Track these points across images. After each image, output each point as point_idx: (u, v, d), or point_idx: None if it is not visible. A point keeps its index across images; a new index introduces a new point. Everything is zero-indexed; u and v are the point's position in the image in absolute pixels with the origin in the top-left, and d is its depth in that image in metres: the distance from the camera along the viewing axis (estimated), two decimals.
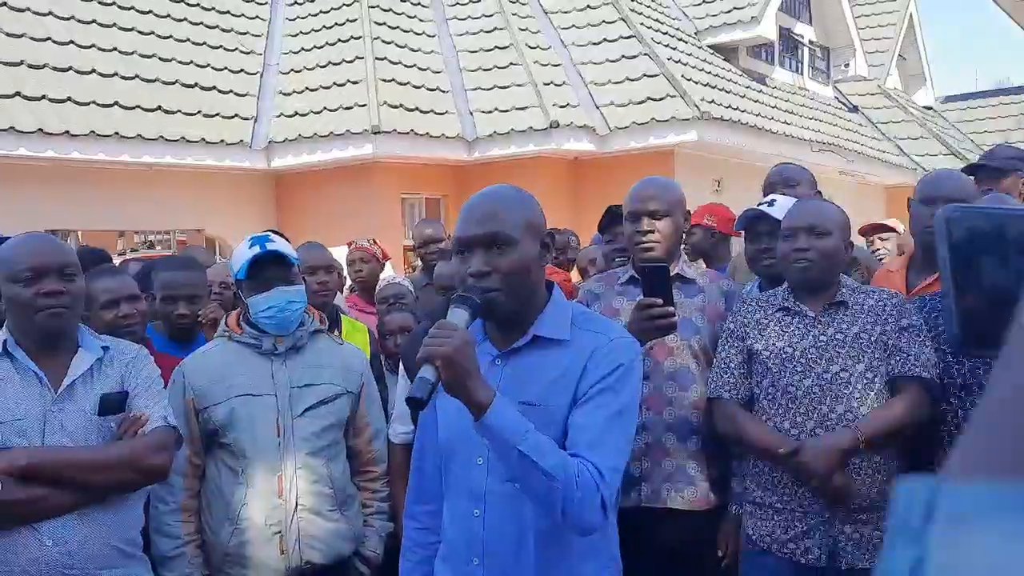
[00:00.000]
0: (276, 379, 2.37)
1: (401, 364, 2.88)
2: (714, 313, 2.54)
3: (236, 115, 8.46)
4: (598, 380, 1.61)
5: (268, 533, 2.29)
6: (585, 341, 1.66)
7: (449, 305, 1.60)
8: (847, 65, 14.57)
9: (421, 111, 8.40)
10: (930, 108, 16.42)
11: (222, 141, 8.09)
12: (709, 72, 9.79)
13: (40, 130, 6.72)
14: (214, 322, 3.19)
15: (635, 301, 2.34)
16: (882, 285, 2.55)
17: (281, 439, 2.33)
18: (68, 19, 7.82)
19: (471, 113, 8.66)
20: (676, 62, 9.10)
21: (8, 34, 7.21)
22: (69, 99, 7.13)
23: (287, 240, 3.82)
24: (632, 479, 2.48)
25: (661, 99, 8.42)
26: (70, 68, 7.41)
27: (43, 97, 6.97)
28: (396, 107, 8.19)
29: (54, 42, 7.51)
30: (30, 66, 7.12)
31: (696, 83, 8.93)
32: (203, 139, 7.89)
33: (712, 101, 8.66)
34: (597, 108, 8.71)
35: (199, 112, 8.10)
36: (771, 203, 2.72)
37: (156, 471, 2.09)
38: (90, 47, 7.77)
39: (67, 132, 6.88)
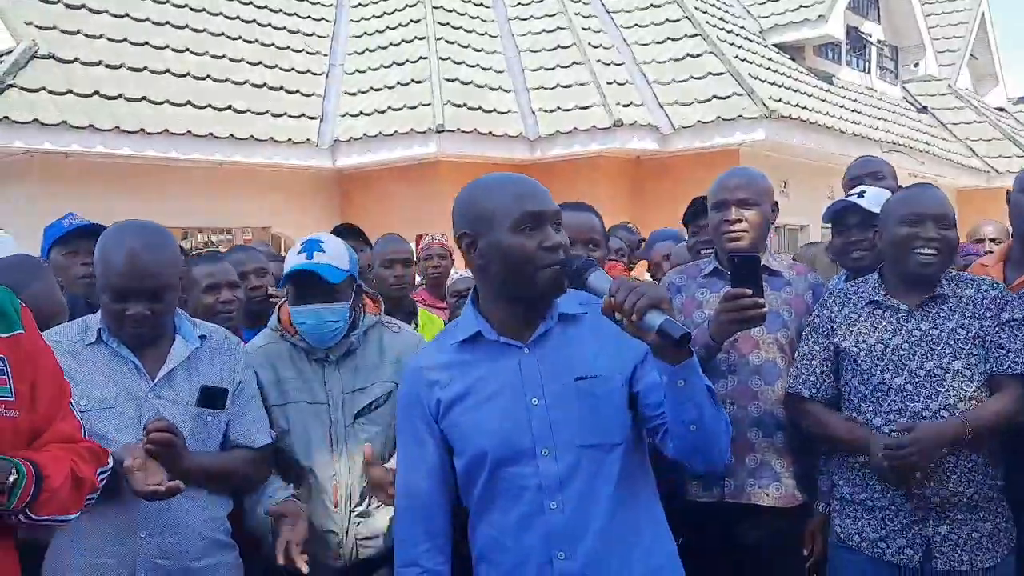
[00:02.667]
0: (328, 385, 2.30)
1: None
2: (801, 306, 2.47)
3: (303, 115, 8.60)
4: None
5: (324, 539, 2.26)
6: (593, 307, 1.62)
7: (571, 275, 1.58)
8: (916, 65, 14.21)
9: (484, 110, 8.43)
10: (1002, 109, 15.90)
11: (289, 140, 8.23)
12: (775, 71, 9.63)
13: (117, 127, 6.92)
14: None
15: (719, 293, 2.29)
16: None
17: (334, 450, 2.28)
18: (143, 21, 8.04)
19: (534, 112, 8.67)
20: (742, 60, 8.97)
21: (87, 35, 7.45)
22: (144, 98, 7.33)
23: (362, 232, 3.83)
24: (715, 474, 2.43)
25: (727, 97, 8.31)
26: (145, 68, 7.61)
27: (119, 96, 7.18)
28: (460, 106, 8.23)
29: (130, 43, 7.73)
30: (107, 66, 7.34)
31: (763, 81, 8.79)
32: (271, 138, 8.03)
33: (779, 100, 8.51)
34: (661, 107, 8.63)
35: (267, 112, 8.26)
36: (861, 194, 2.64)
37: (263, 481, 2.20)
38: (164, 48, 7.98)
39: (142, 130, 7.08)
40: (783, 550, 2.44)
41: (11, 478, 1.33)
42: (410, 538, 1.73)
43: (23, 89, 6.60)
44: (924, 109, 13.92)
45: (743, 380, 2.43)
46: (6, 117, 6.34)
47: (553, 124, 8.44)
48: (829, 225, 2.78)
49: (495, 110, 8.53)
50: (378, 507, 2.30)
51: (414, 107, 8.27)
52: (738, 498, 2.42)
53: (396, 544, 1.77)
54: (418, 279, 4.41)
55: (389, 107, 8.46)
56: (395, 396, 2.25)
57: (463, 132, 7.98)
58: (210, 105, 7.81)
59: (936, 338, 2.17)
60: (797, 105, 8.88)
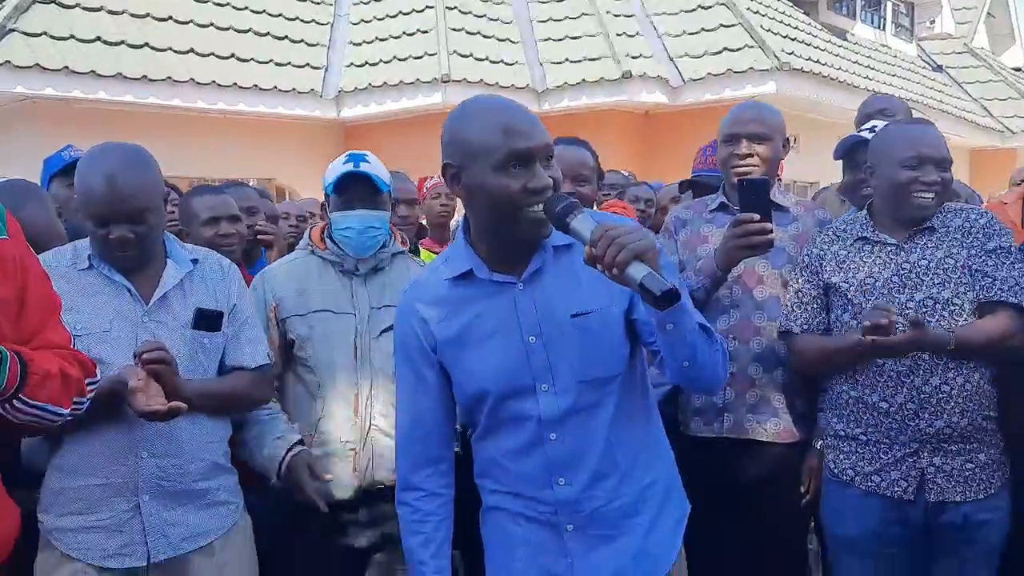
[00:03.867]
0: (356, 299, 2.35)
1: None
2: (807, 242, 2.43)
3: (307, 64, 8.51)
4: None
5: (344, 449, 2.29)
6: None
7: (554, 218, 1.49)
8: (932, 22, 13.97)
9: (491, 61, 8.32)
10: (1019, 69, 15.64)
11: (293, 90, 8.15)
12: (788, 24, 9.47)
13: (119, 74, 6.85)
14: (270, 245, 3.19)
15: (724, 228, 2.26)
16: None
17: (358, 359, 2.31)
18: None
19: (541, 64, 8.55)
20: (754, 12, 8.81)
21: None
22: (147, 44, 7.25)
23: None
24: (715, 409, 2.42)
25: (738, 50, 8.18)
26: (148, 15, 7.52)
27: (121, 43, 7.11)
28: (466, 56, 8.13)
29: None
30: (109, 12, 7.25)
31: (775, 34, 8.64)
32: (275, 87, 7.96)
33: (792, 53, 8.38)
34: (671, 59, 8.50)
35: (271, 61, 8.17)
36: (872, 129, 2.58)
37: (266, 400, 2.23)
38: None
39: (145, 77, 7.02)
40: (781, 486, 2.44)
41: None
42: (412, 464, 1.73)
43: (24, 33, 6.53)
44: (939, 68, 13.70)
45: (745, 315, 2.41)
46: (7, 61, 6.29)
47: (561, 76, 8.33)
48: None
49: (502, 61, 8.42)
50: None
51: (419, 57, 8.17)
52: (737, 433, 2.41)
53: (398, 471, 1.76)
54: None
55: (395, 57, 8.35)
56: None
57: (469, 83, 7.88)
58: (213, 53, 7.73)
59: (925, 269, 2.15)
60: (809, 59, 8.74)
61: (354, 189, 2.29)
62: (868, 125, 2.65)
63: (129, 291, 1.99)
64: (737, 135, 2.41)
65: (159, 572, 1.99)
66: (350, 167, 2.30)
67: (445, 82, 7.78)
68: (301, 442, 2.25)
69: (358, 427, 2.30)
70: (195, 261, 2.10)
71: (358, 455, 2.29)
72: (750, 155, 2.39)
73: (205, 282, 2.09)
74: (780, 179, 2.68)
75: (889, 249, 2.20)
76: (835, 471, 2.27)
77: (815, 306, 2.28)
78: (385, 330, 2.33)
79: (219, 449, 2.09)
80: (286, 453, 2.20)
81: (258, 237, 3.08)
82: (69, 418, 1.52)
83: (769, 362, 2.40)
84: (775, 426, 2.41)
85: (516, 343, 1.60)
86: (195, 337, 2.04)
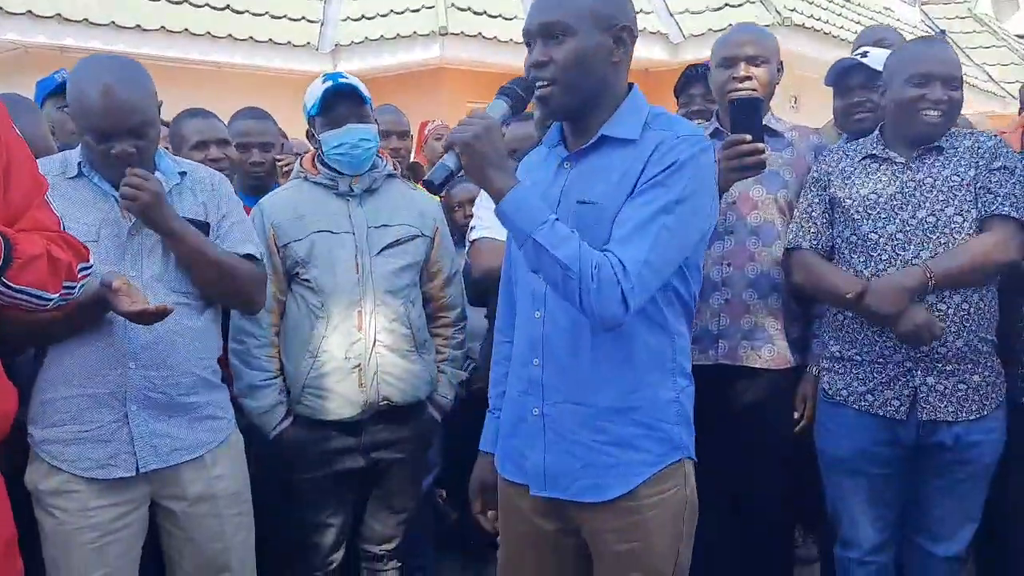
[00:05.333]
0: (353, 218, 2.35)
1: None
2: (802, 168, 2.42)
3: (303, 17, 8.40)
4: (652, 176, 1.54)
5: (347, 367, 2.30)
6: (651, 139, 1.57)
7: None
8: None
9: (489, 15, 8.22)
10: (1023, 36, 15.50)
11: (289, 43, 8.05)
12: None
13: (113, 23, 6.76)
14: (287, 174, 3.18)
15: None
16: None
17: (360, 276, 2.32)
18: None
19: None
20: None
21: None
22: None
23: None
24: (710, 336, 2.41)
25: (740, 5, 8.08)
26: None
27: None
28: (464, 10, 8.02)
29: None
30: None
31: None
32: (271, 39, 7.86)
33: (794, 9, 8.28)
34: (671, 15, 8.40)
35: (266, 14, 8.06)
36: (864, 54, 2.55)
37: (260, 303, 2.17)
38: None
39: (138, 26, 6.92)
40: (775, 412, 2.44)
41: None
42: (503, 315, 1.90)
43: None
44: (942, 32, 13.57)
45: (740, 241, 2.39)
46: (0, 8, 6.19)
47: None
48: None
49: (501, 15, 8.31)
50: (409, 351, 2.37)
51: (417, 10, 8.06)
52: (732, 360, 2.41)
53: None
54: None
55: (391, 10, 8.25)
56: (419, 241, 2.40)
57: (467, 36, 7.79)
58: (208, 4, 7.62)
59: (930, 187, 2.13)
60: (811, 16, 8.64)
61: (339, 106, 2.31)
62: (860, 50, 2.61)
63: (118, 202, 1.96)
64: (734, 57, 2.38)
65: (149, 484, 1.99)
66: (330, 83, 2.30)
67: (443, 35, 7.69)
68: (289, 413, 2.35)
69: (362, 344, 2.31)
70: (183, 174, 2.07)
71: (363, 371, 2.30)
72: (748, 78, 2.36)
73: (194, 193, 2.07)
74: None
75: (896, 167, 2.18)
76: (829, 392, 2.27)
77: (823, 220, 2.26)
78: (384, 248, 2.34)
79: (209, 365, 2.08)
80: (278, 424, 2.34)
81: (275, 165, 3.05)
82: (59, 303, 1.49)
83: (764, 288, 2.39)
84: (770, 352, 2.40)
85: None
86: None
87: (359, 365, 2.30)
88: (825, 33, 8.59)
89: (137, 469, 1.95)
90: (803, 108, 8.83)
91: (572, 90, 1.58)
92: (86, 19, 6.61)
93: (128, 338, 1.92)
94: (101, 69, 1.91)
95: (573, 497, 1.65)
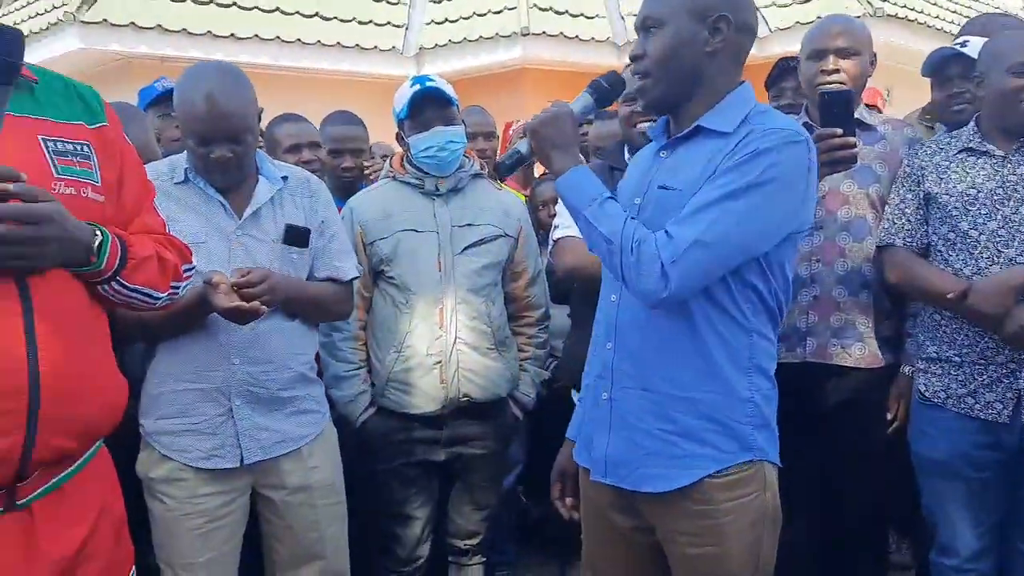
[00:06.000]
0: (438, 217, 2.41)
1: None
2: (895, 161, 2.35)
3: (389, 22, 8.57)
4: (729, 163, 1.52)
5: (429, 362, 2.36)
6: (743, 131, 1.55)
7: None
8: None
9: (571, 14, 8.23)
10: None
11: (375, 48, 8.23)
12: None
13: (209, 32, 7.04)
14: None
15: None
16: None
17: (442, 274, 2.37)
18: None
19: (622, 17, 8.40)
20: None
21: None
22: (234, 4, 7.42)
23: None
24: (798, 333, 2.37)
25: None
26: None
27: (211, 2, 7.29)
28: (546, 10, 8.06)
29: None
30: None
31: None
32: (358, 45, 8.05)
33: None
34: (758, 9, 8.22)
35: (354, 19, 8.26)
36: (964, 43, 2.47)
37: (347, 315, 2.30)
38: None
39: (232, 35, 7.19)
40: (866, 412, 2.38)
41: (96, 239, 1.38)
42: None
43: None
44: None
45: (830, 236, 2.35)
46: (105, 20, 6.53)
47: None
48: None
49: (582, 14, 8.31)
50: (489, 348, 2.41)
51: (499, 12, 8.13)
52: (820, 358, 2.36)
53: None
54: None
55: (474, 13, 8.34)
56: (502, 241, 2.44)
57: (549, 36, 7.82)
58: (298, 12, 7.85)
59: None
60: (904, 6, 8.34)
61: (427, 110, 2.38)
62: (961, 39, 2.52)
63: (223, 206, 2.06)
64: (824, 50, 2.33)
65: (251, 474, 2.08)
66: (418, 87, 2.37)
67: (525, 35, 7.74)
68: (373, 403, 2.44)
69: (443, 340, 2.36)
70: (285, 178, 2.15)
71: (444, 367, 2.35)
72: (836, 70, 2.31)
73: (294, 199, 2.14)
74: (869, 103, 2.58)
75: (995, 160, 2.11)
76: (925, 393, 2.20)
77: (917, 217, 2.20)
78: (467, 247, 2.39)
79: (306, 361, 2.16)
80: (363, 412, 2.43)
81: (363, 172, 3.15)
82: (166, 302, 1.58)
83: (854, 284, 2.34)
84: (860, 351, 2.35)
85: (627, 201, 1.70)
86: (284, 252, 2.10)
87: (440, 361, 2.36)
88: (920, 23, 8.28)
89: (241, 461, 2.04)
90: (896, 101, 8.54)
91: (665, 82, 1.60)
92: (184, 29, 6.91)
93: (231, 336, 2.01)
94: (205, 77, 2.00)
95: (633, 486, 1.63)
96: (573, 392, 2.62)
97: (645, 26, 1.61)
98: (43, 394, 1.29)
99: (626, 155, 2.52)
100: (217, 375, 2.02)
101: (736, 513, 1.58)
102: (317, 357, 2.28)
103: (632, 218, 1.56)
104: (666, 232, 1.50)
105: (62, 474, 1.40)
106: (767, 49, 8.15)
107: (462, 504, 2.58)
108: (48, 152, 1.37)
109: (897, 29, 7.99)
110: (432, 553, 2.56)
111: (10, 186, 1.22)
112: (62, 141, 1.39)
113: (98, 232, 1.38)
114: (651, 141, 1.76)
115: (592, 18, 8.38)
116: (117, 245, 1.41)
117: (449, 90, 2.41)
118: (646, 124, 2.36)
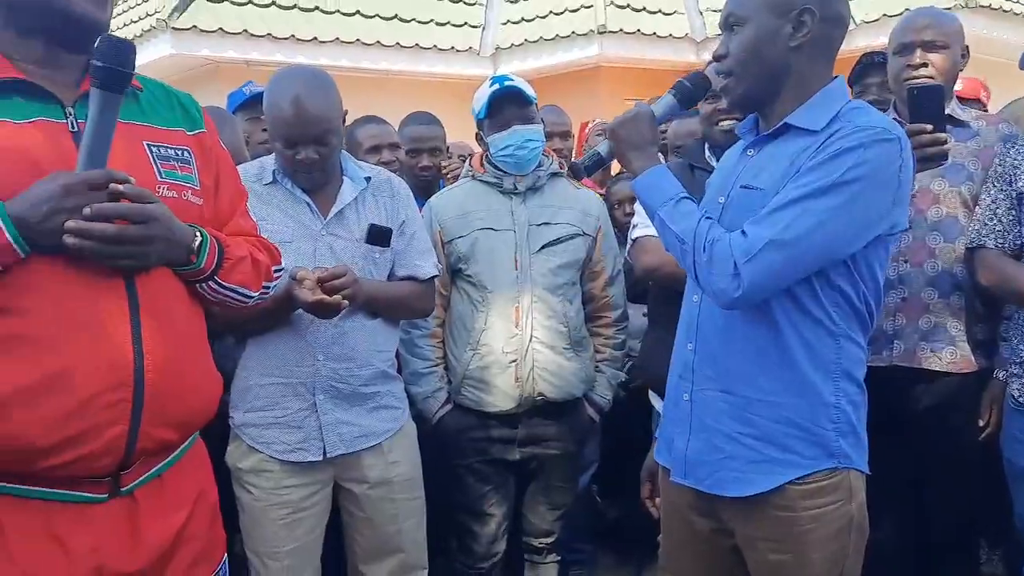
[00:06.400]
0: (515, 216, 2.43)
1: None
2: (989, 159, 2.27)
3: (465, 23, 8.65)
4: (813, 162, 1.48)
5: (505, 361, 2.38)
6: (832, 129, 1.51)
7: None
8: None
9: (648, 11, 8.16)
10: None
11: (452, 48, 8.32)
12: None
13: (293, 36, 7.24)
14: (455, 179, 3.31)
15: None
16: None
17: (518, 272, 2.39)
18: None
19: (701, 13, 8.29)
20: None
21: None
22: (317, 8, 7.60)
23: None
24: (885, 336, 2.30)
25: None
26: None
27: (294, 7, 7.48)
28: (623, 8, 8.01)
29: None
30: None
31: None
32: (435, 46, 8.15)
33: None
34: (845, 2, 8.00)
35: (431, 21, 8.36)
36: None
37: (428, 312, 2.35)
38: None
39: (315, 39, 7.37)
40: (957, 418, 2.30)
41: (196, 240, 1.44)
42: None
43: (209, 0, 7.01)
44: None
45: (919, 237, 2.27)
46: (194, 26, 6.78)
47: None
48: None
49: (660, 11, 8.23)
50: (566, 348, 2.42)
51: (575, 10, 8.12)
52: (909, 362, 2.29)
53: None
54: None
55: (551, 11, 8.34)
56: (579, 240, 2.45)
57: (626, 33, 7.77)
58: (378, 15, 8.00)
59: None
60: None
61: (505, 109, 2.40)
62: None
63: (309, 206, 2.11)
64: (911, 44, 2.26)
65: (334, 467, 2.14)
66: (497, 87, 2.39)
67: (601, 33, 7.71)
68: (449, 400, 2.47)
69: (519, 339, 2.38)
70: (368, 179, 2.20)
71: (519, 366, 2.37)
72: (924, 65, 2.24)
73: (377, 199, 2.19)
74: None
75: None
76: (1019, 399, 2.12)
77: (1010, 218, 2.12)
78: (544, 246, 2.40)
79: (387, 358, 2.21)
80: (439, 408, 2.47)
81: (439, 172, 3.20)
82: (258, 300, 1.64)
83: (945, 286, 2.26)
84: (951, 355, 2.27)
85: (711, 200, 1.71)
86: (368, 250, 2.15)
87: (516, 360, 2.38)
88: (1016, 13, 7.93)
89: (324, 454, 2.10)
90: (992, 94, 8.20)
91: (748, 80, 1.59)
92: (269, 34, 7.12)
93: (316, 333, 2.07)
94: (293, 81, 2.06)
95: (710, 489, 1.62)
96: (650, 392, 2.61)
97: (728, 24, 1.60)
98: (147, 388, 1.35)
99: (706, 153, 2.50)
100: (302, 371, 2.08)
101: (819, 521, 1.55)
102: (397, 354, 2.32)
103: (708, 217, 1.56)
104: (742, 231, 1.49)
105: (162, 463, 1.47)
106: (852, 43, 7.92)
107: (537, 503, 2.59)
108: (153, 157, 1.44)
109: (990, 19, 7.67)
110: (508, 550, 2.58)
111: (121, 187, 1.29)
112: (165, 147, 1.46)
113: (198, 233, 1.45)
114: (733, 138, 1.75)
115: (670, 14, 8.29)
116: (215, 246, 1.48)
117: (528, 89, 2.43)
118: (728, 122, 2.34)
